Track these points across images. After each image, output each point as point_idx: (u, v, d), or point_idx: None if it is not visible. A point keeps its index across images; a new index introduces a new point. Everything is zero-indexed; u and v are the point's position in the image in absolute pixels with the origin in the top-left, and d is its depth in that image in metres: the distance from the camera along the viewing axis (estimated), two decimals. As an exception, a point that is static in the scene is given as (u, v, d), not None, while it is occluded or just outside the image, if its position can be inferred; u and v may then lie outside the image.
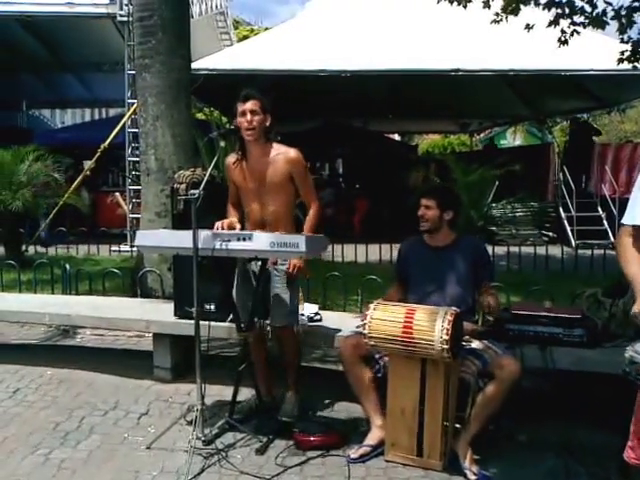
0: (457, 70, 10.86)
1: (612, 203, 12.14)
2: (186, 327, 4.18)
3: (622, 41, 6.67)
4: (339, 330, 4.03)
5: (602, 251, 8.06)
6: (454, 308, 3.09)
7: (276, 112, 3.59)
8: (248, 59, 11.18)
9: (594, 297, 3.77)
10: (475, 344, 3.32)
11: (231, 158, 3.73)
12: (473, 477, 3.08)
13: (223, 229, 3.49)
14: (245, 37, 22.49)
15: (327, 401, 4.03)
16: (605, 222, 12.10)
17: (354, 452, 3.33)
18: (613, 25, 6.44)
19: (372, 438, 3.39)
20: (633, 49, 6.59)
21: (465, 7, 6.59)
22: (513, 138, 26.26)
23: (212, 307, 4.17)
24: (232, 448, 3.41)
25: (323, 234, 3.52)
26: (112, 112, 19.41)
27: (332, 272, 5.44)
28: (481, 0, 6.56)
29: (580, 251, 8.50)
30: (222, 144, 3.67)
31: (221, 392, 4.05)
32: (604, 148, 13.51)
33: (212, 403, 3.86)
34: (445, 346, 2.94)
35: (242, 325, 3.66)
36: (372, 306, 3.22)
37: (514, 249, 8.38)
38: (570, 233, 11.96)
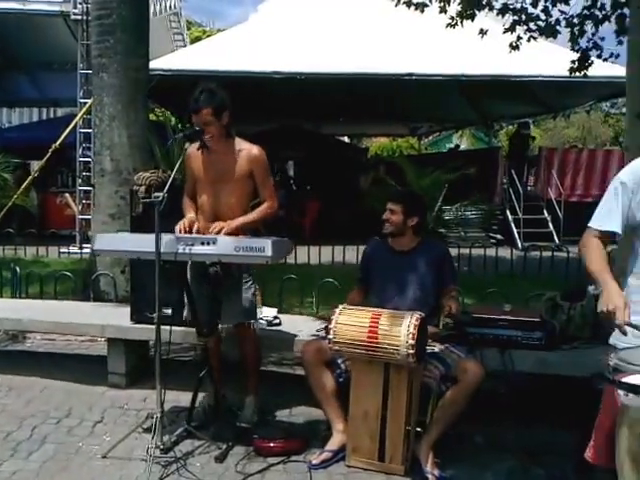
0: (411, 74, 10.99)
1: (558, 206, 12.52)
2: (143, 332, 4.09)
3: (573, 49, 6.86)
4: (296, 334, 4.02)
5: (550, 253, 8.33)
6: (420, 313, 3.11)
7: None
8: (202, 60, 11.06)
9: (552, 300, 3.86)
10: (437, 348, 3.34)
11: (192, 148, 3.67)
12: (435, 481, 3.11)
13: (186, 230, 3.44)
14: (198, 38, 22.30)
15: (287, 406, 4.00)
16: (550, 224, 12.47)
17: (315, 458, 3.31)
18: (564, 34, 6.64)
19: (333, 443, 3.37)
20: (583, 58, 6.78)
21: (422, 12, 6.67)
22: (460, 141, 26.78)
23: (169, 311, 4.08)
24: (191, 456, 3.34)
25: (283, 237, 3.49)
26: (60, 112, 18.96)
27: (288, 275, 5.41)
28: (437, 5, 6.64)
29: (529, 253, 8.70)
30: (187, 145, 3.60)
31: (177, 398, 3.96)
32: (550, 152, 13.92)
33: (169, 409, 3.76)
34: (411, 351, 2.95)
35: (204, 329, 3.61)
36: (337, 310, 3.21)
37: (464, 251, 8.50)
38: (517, 235, 12.25)
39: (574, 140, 27.36)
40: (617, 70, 9.48)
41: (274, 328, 4.25)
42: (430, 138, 26.04)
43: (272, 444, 3.39)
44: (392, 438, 3.17)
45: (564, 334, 3.64)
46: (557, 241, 11.83)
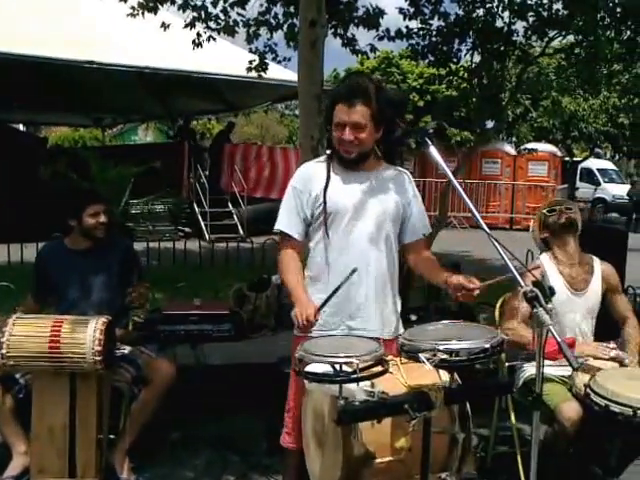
0: (92, 62, 10.43)
1: (241, 199, 13.11)
2: None
3: (251, 51, 7.26)
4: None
5: (235, 244, 8.73)
6: (106, 316, 2.94)
7: None
8: None
9: (240, 291, 4.00)
10: (127, 350, 3.22)
11: None
12: (132, 487, 3.00)
13: None
14: None
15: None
16: (235, 217, 13.01)
17: (-6, 487, 2.95)
18: (243, 34, 6.97)
19: (15, 467, 3.04)
20: (261, 59, 7.20)
21: (102, -1, 6.37)
22: (145, 135, 26.45)
23: None
24: None
25: None
26: None
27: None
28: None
29: (216, 244, 9.00)
30: None
31: None
32: (233, 148, 14.49)
33: None
34: (98, 357, 2.77)
35: None
36: (11, 321, 2.86)
37: (153, 245, 8.42)
38: (204, 228, 12.52)
39: (254, 137, 29.03)
40: (288, 74, 10.31)
41: None
42: (115, 130, 25.13)
43: None
44: (83, 451, 2.96)
45: (251, 323, 3.82)
46: (241, 232, 12.40)
